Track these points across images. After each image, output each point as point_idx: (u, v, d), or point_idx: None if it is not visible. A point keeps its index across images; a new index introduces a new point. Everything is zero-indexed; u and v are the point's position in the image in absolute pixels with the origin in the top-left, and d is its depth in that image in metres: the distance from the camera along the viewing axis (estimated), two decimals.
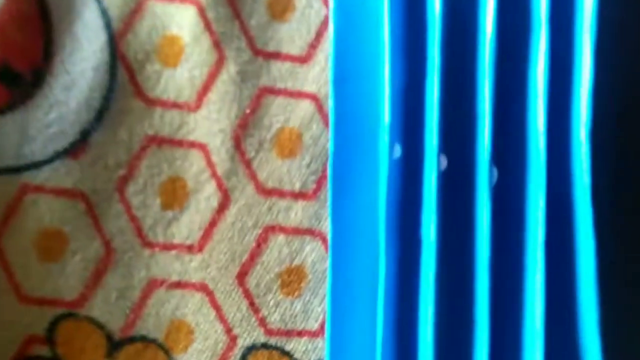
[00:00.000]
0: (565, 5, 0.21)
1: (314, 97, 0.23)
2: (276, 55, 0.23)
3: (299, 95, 0.23)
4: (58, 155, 0.22)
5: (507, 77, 0.21)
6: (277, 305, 0.23)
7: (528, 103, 0.21)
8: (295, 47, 0.23)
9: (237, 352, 0.23)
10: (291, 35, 0.23)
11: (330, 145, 0.22)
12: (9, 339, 0.21)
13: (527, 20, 0.21)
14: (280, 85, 0.23)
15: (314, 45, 0.24)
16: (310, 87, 0.23)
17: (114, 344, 0.22)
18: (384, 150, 0.21)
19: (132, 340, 0.22)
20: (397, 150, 0.22)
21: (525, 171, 0.21)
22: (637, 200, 0.23)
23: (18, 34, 0.21)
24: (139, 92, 0.23)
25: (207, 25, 0.23)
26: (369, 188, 0.22)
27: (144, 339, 0.22)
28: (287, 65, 0.23)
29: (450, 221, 0.21)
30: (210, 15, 0.23)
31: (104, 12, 0.22)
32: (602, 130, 0.21)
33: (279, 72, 0.23)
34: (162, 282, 0.22)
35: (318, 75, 0.23)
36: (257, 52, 0.23)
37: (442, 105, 0.21)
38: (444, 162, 0.22)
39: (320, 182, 0.23)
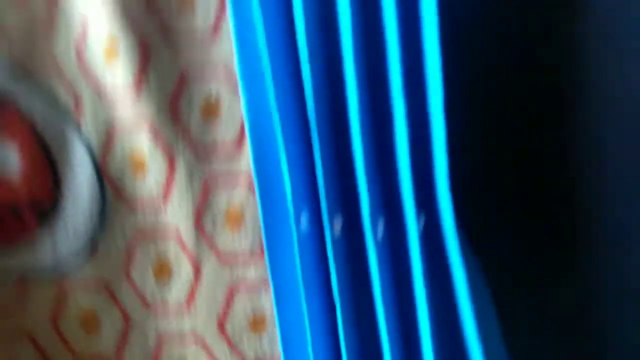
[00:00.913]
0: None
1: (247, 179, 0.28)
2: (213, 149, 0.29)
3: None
4: (79, 253, 0.30)
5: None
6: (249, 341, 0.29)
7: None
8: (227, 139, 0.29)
9: None
10: (222, 130, 0.29)
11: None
12: None
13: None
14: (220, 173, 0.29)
15: (241, 135, 0.28)
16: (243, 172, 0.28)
17: None
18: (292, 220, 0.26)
19: None
20: (304, 220, 0.26)
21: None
22: None
23: (35, 175, 0.30)
24: (123, 198, 0.29)
25: (157, 138, 0.28)
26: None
27: None
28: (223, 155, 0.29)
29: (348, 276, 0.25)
30: (159, 129, 0.28)
31: (87, 144, 0.29)
32: None
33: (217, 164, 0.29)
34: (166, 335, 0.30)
35: (248, 161, 0.28)
36: (198, 151, 0.29)
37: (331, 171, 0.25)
38: (339, 223, 0.25)
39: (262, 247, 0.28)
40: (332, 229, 0.24)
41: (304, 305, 0.25)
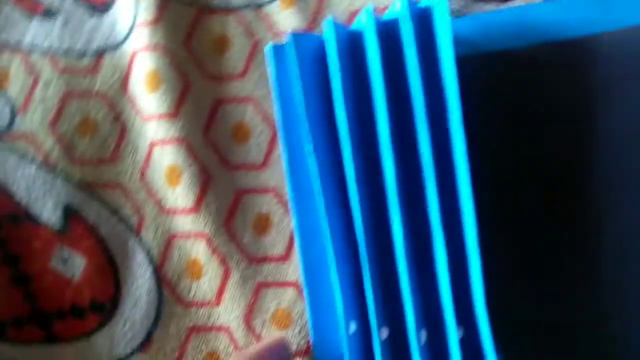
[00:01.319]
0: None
1: (295, 285, 0.34)
2: (264, 259, 0.34)
3: (284, 284, 0.34)
4: (134, 352, 0.34)
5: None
6: None
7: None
8: (276, 251, 0.34)
9: None
10: (272, 243, 0.34)
11: (309, 321, 0.32)
12: None
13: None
14: (270, 279, 0.34)
15: (289, 247, 0.34)
16: (291, 278, 0.34)
17: None
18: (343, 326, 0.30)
19: None
20: (352, 326, 0.31)
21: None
22: None
23: (99, 279, 0.34)
24: (179, 299, 0.34)
25: (214, 250, 0.34)
26: (340, 350, 0.31)
27: None
28: (273, 265, 0.34)
29: None
30: (215, 242, 0.33)
31: (148, 252, 0.34)
32: None
33: (268, 271, 0.34)
34: None
35: (296, 269, 0.34)
36: (251, 260, 0.34)
37: (379, 290, 0.30)
38: (385, 332, 0.30)
39: (310, 344, 0.33)
40: (379, 335, 0.29)
41: None
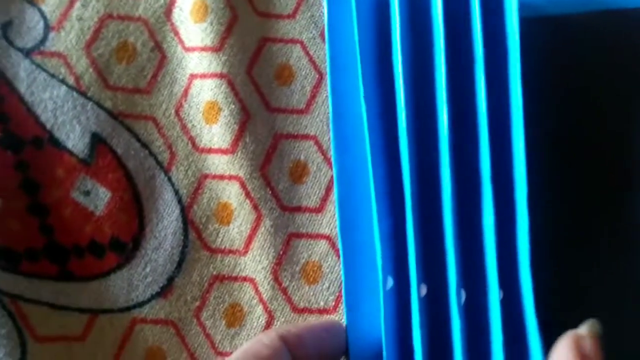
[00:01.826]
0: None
1: (328, 238, 0.32)
2: (298, 209, 0.32)
3: (317, 237, 0.32)
4: (153, 297, 0.32)
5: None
6: None
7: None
8: (311, 201, 0.33)
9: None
10: (308, 193, 0.33)
11: (342, 273, 0.30)
12: None
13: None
14: (302, 230, 0.32)
15: (324, 198, 0.33)
16: (324, 230, 0.32)
17: None
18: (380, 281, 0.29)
19: None
20: (390, 282, 0.29)
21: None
22: None
23: (122, 216, 0.31)
24: (205, 245, 0.32)
25: (247, 194, 0.32)
26: (373, 306, 0.30)
27: None
28: (307, 215, 0.32)
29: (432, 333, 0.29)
30: (249, 186, 0.32)
31: (177, 192, 0.32)
32: None
33: (301, 222, 0.32)
34: None
35: (330, 221, 0.32)
36: (284, 208, 0.32)
37: (422, 246, 0.29)
38: (424, 290, 0.29)
39: (338, 300, 0.32)
40: (418, 292, 0.28)
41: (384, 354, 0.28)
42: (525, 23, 0.29)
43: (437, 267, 0.29)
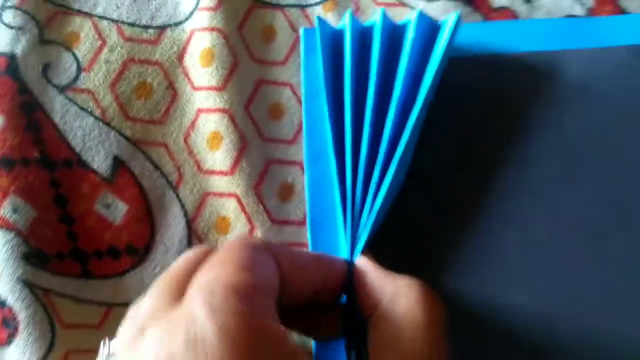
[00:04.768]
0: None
1: None
2: (285, 222, 0.38)
3: (301, 245, 0.38)
4: None
5: None
6: None
7: None
8: (297, 217, 0.38)
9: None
10: (294, 209, 0.38)
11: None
12: None
13: None
14: (290, 240, 0.38)
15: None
16: (307, 240, 0.38)
17: None
18: None
19: None
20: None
21: None
22: None
23: (136, 226, 0.38)
24: None
25: (243, 209, 0.38)
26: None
27: None
28: (293, 228, 0.38)
29: None
30: (245, 202, 0.38)
31: (183, 206, 0.38)
32: None
33: (288, 233, 0.38)
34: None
35: None
36: (273, 221, 0.38)
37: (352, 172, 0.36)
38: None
39: None
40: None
41: None
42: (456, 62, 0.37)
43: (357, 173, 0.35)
